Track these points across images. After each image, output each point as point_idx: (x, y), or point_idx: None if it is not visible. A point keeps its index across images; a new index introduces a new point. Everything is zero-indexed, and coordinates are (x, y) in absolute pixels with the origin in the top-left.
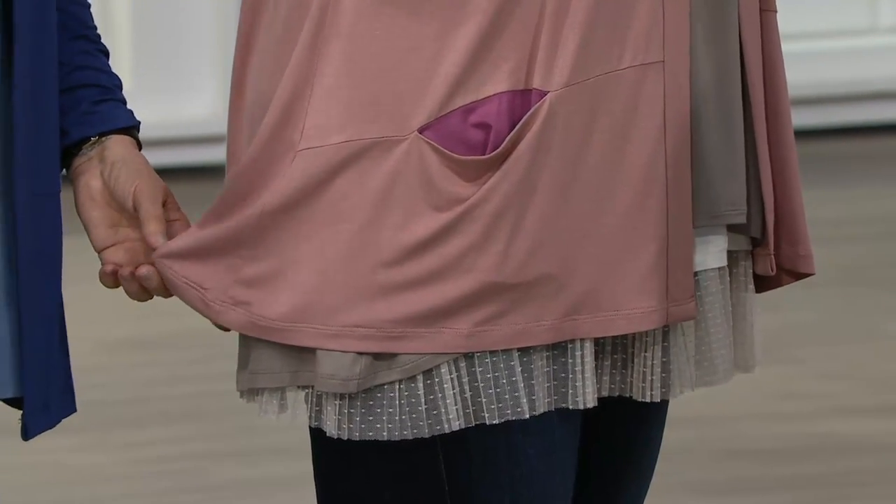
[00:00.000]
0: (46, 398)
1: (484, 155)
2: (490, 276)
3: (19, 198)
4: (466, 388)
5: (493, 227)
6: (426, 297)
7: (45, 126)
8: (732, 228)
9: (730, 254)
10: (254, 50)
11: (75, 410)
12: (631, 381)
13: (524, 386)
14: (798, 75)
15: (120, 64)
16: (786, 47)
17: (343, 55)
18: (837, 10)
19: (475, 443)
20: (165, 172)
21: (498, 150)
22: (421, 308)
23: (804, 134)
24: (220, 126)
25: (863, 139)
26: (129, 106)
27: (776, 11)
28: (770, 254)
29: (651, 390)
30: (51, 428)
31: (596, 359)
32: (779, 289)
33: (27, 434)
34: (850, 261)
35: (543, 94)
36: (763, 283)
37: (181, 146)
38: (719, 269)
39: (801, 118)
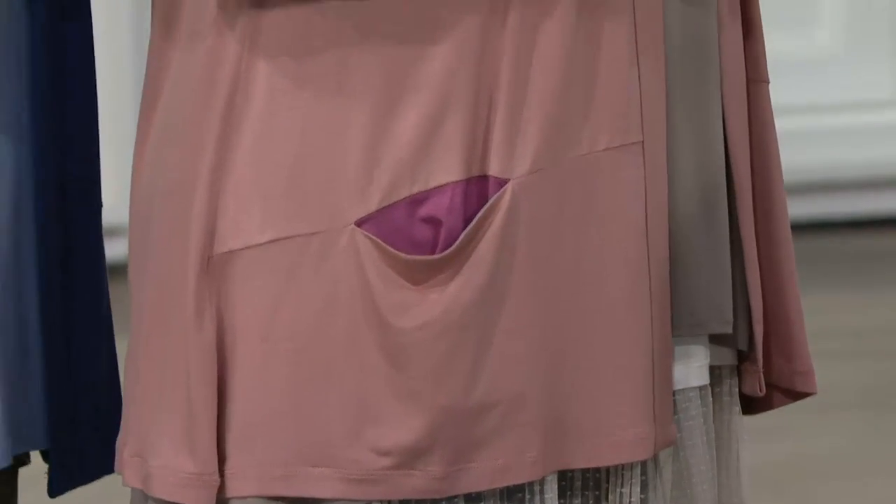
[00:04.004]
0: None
1: (433, 255)
2: (459, 400)
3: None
4: None
5: (458, 345)
6: (388, 435)
7: None
8: (715, 340)
9: (712, 370)
10: (152, 127)
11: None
12: None
13: None
14: (810, 157)
15: None
16: (794, 123)
17: (256, 137)
18: (856, 79)
19: None
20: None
21: (450, 248)
22: (384, 446)
23: (817, 226)
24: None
25: (889, 233)
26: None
27: (768, 82)
28: (759, 370)
29: None
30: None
31: (562, 496)
32: (789, 413)
33: None
34: (876, 379)
35: (503, 182)
36: (752, 405)
37: None
38: (700, 387)
39: (814, 207)
